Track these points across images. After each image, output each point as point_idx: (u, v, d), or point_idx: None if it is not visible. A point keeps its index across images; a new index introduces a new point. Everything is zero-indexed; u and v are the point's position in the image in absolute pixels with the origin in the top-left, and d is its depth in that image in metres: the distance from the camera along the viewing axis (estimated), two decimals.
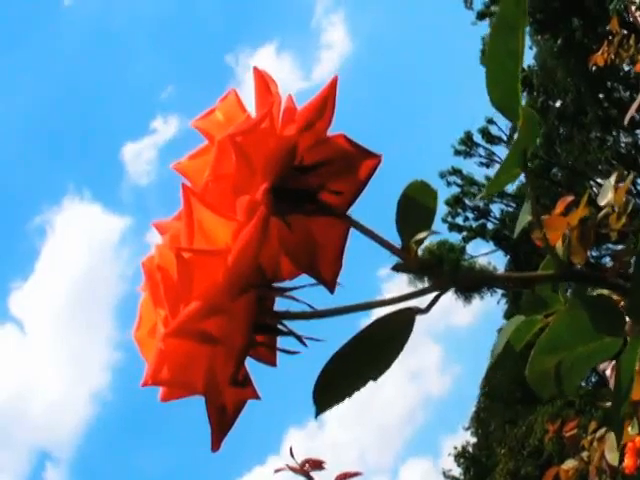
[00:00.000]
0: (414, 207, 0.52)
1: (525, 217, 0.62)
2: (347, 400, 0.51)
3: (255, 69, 0.51)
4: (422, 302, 0.51)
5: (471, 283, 0.51)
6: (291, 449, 1.11)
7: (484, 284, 0.53)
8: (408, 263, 0.50)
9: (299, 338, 0.49)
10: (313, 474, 1.10)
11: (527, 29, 0.53)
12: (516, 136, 0.53)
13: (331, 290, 0.50)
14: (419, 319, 0.51)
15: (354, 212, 0.52)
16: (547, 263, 0.57)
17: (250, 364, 0.49)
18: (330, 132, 0.51)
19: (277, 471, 1.11)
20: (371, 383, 0.50)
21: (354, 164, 0.51)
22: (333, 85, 0.50)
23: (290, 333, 0.49)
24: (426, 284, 0.51)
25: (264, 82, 0.50)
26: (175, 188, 0.49)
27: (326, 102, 0.50)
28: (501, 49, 0.53)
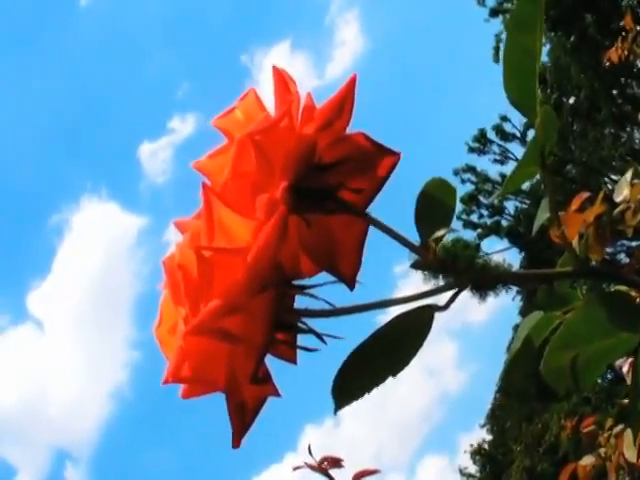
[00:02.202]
0: (433, 204, 0.52)
1: (543, 214, 0.62)
2: (366, 396, 0.51)
3: (274, 68, 0.51)
4: (439, 299, 0.52)
5: (490, 281, 0.51)
6: (309, 447, 1.11)
7: (503, 282, 0.53)
8: (427, 261, 0.51)
9: (319, 336, 0.49)
10: (331, 472, 1.10)
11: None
12: (533, 134, 0.53)
13: (351, 287, 0.51)
14: (436, 316, 0.51)
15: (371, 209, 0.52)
16: (565, 260, 0.57)
17: (270, 361, 0.49)
18: (349, 130, 0.51)
19: (296, 469, 1.11)
20: (388, 381, 0.51)
21: (373, 162, 0.51)
22: (352, 83, 0.50)
23: (310, 331, 0.49)
24: (441, 281, 0.51)
25: (283, 81, 0.51)
26: (192, 187, 0.49)
27: (345, 100, 0.50)
28: (518, 48, 0.53)
